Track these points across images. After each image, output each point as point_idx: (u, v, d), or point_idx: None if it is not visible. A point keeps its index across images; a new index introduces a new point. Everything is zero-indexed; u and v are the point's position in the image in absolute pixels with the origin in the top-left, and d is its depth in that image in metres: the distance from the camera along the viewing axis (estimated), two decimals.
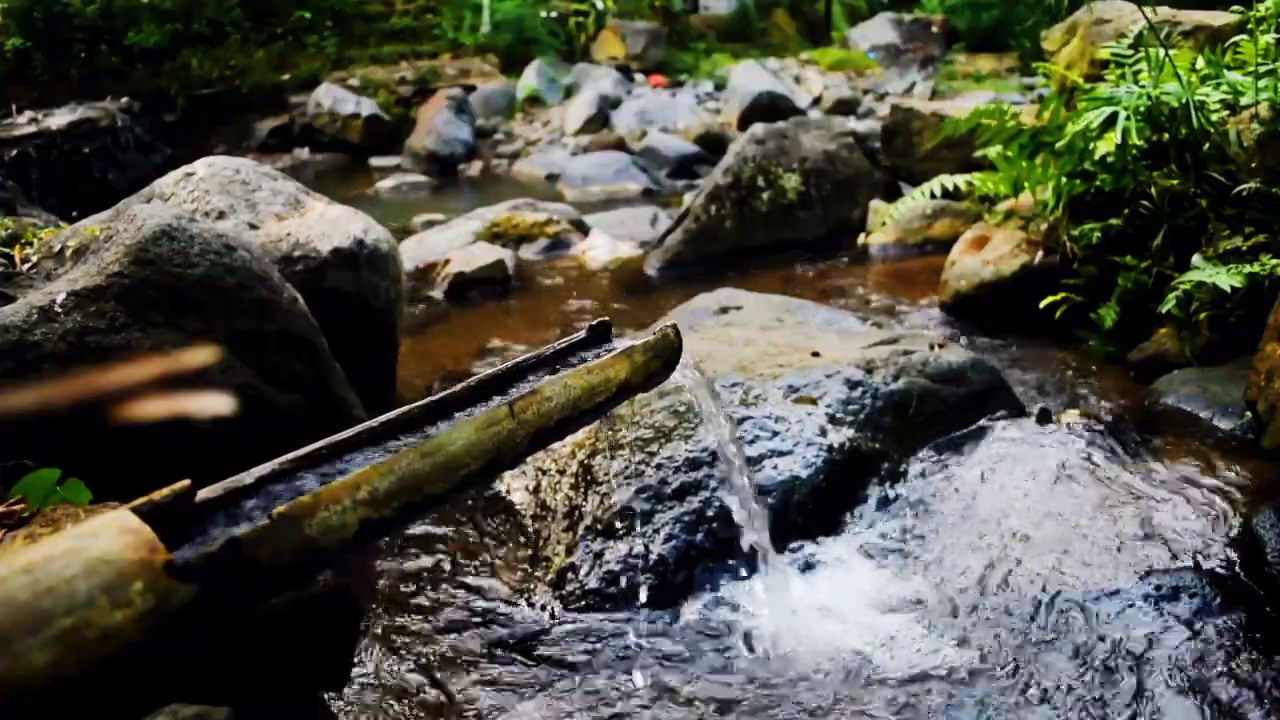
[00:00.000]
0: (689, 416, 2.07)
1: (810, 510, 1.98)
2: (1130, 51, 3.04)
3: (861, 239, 4.62)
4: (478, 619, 1.82)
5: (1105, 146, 2.78)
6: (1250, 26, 2.65)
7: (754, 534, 1.75)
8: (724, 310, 2.91)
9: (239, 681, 1.00)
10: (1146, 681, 1.48)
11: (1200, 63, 2.83)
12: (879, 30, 14.18)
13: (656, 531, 1.89)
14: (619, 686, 1.59)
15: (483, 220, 4.95)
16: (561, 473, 2.13)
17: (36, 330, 1.72)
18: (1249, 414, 2.11)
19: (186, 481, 0.83)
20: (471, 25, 12.05)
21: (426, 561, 2.04)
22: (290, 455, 0.95)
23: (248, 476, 0.90)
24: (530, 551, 2.03)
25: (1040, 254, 3.18)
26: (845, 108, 10.44)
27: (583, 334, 1.35)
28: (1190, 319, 2.61)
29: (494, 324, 3.77)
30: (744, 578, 1.83)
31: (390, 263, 2.79)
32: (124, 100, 8.26)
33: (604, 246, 4.79)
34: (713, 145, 7.90)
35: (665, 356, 1.37)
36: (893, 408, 2.21)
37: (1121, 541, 1.83)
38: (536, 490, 2.18)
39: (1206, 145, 2.68)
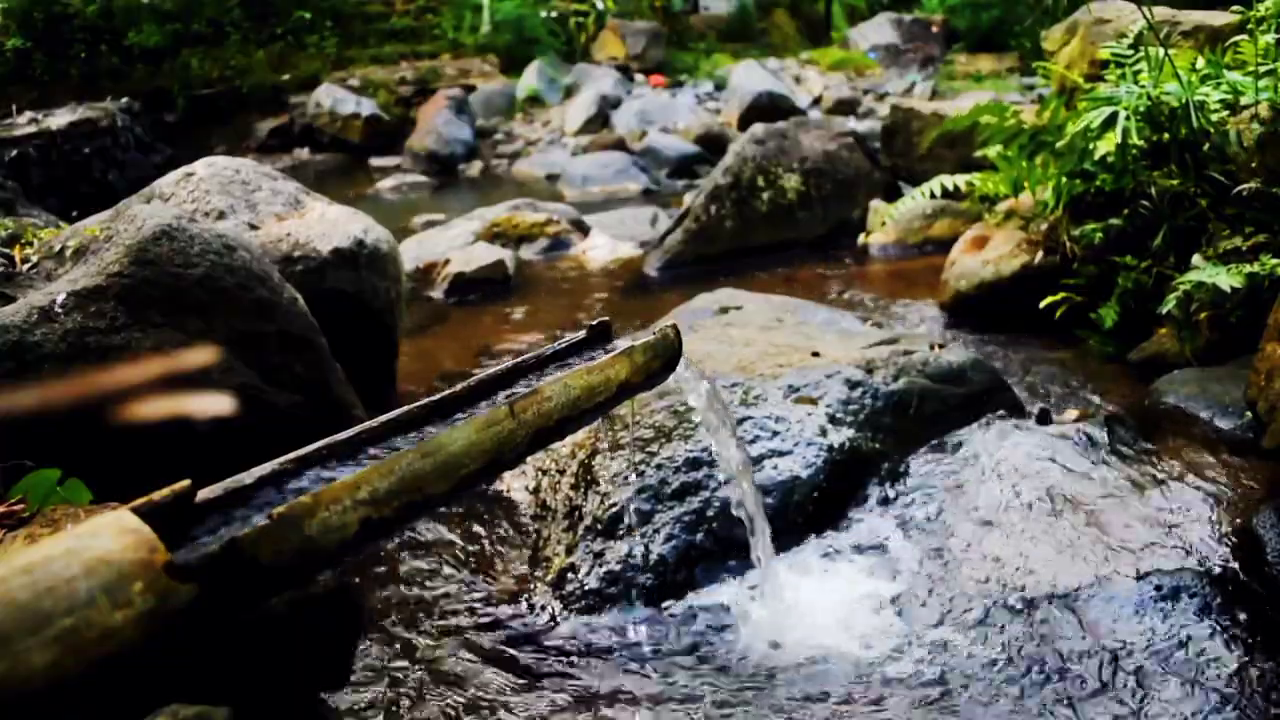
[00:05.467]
0: (689, 416, 2.07)
1: (810, 510, 1.98)
2: (1130, 51, 3.04)
3: (861, 239, 4.62)
4: (478, 619, 1.82)
5: (1105, 146, 2.77)
6: (1250, 26, 2.65)
7: (754, 535, 1.75)
8: (724, 310, 2.91)
9: (239, 681, 1.00)
10: (1146, 682, 1.48)
11: (1200, 63, 2.83)
12: (879, 30, 14.16)
13: (656, 531, 1.89)
14: (619, 686, 1.59)
15: (483, 220, 4.95)
16: (561, 473, 2.13)
17: (36, 330, 1.72)
18: (1249, 414, 2.11)
19: (187, 482, 0.83)
20: (471, 25, 12.05)
21: (426, 562, 2.04)
22: (290, 455, 0.95)
23: (248, 476, 0.90)
24: (530, 551, 2.03)
25: (1040, 254, 3.18)
26: (845, 108, 10.43)
27: (583, 334, 1.35)
28: (1190, 319, 2.61)
29: (494, 324, 3.77)
30: (744, 577, 1.83)
31: (390, 263, 2.79)
32: (124, 100, 8.26)
33: (604, 246, 4.79)
34: (713, 145, 7.90)
35: (665, 356, 1.37)
36: (893, 408, 2.21)
37: (1121, 541, 1.82)
38: (536, 490, 2.18)
39: (1206, 145, 2.68)
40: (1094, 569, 1.76)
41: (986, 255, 3.34)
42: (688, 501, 1.93)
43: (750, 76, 10.09)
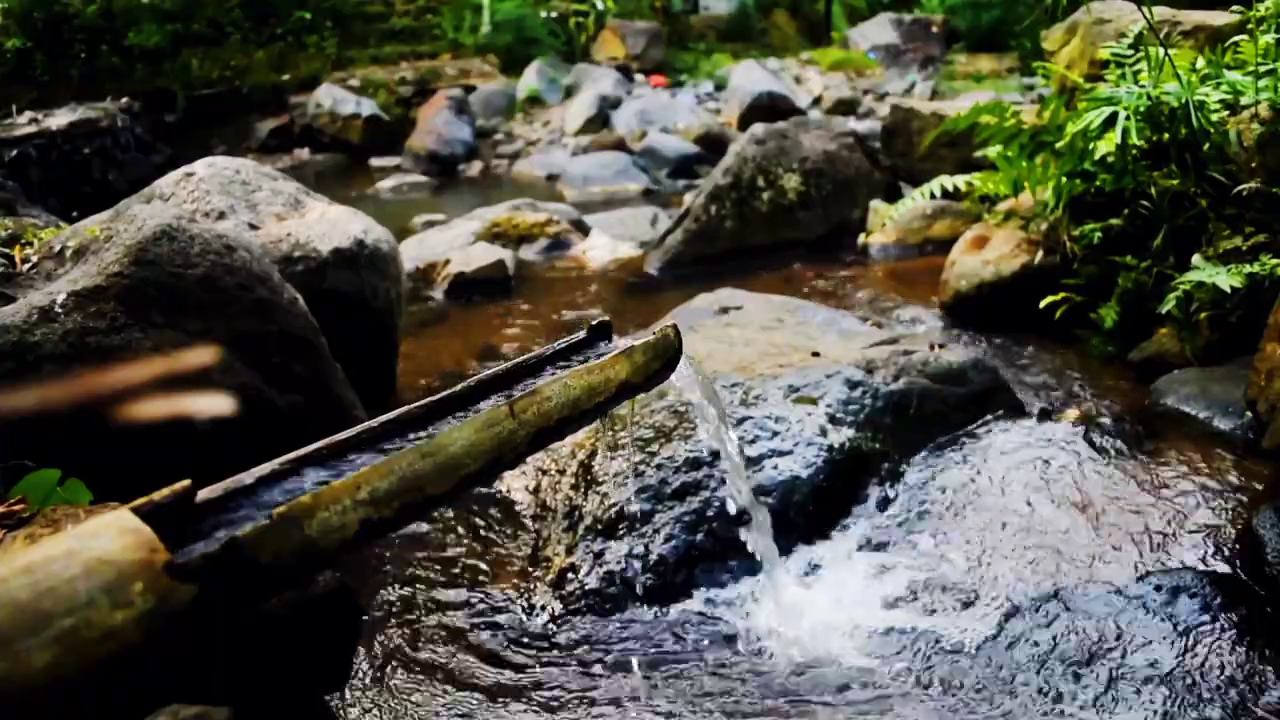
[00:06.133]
0: (689, 416, 2.07)
1: (810, 510, 1.98)
2: (1130, 51, 3.04)
3: (862, 239, 4.62)
4: (478, 619, 1.82)
5: (1105, 146, 2.77)
6: (1250, 26, 2.65)
7: (754, 534, 1.75)
8: (724, 310, 2.91)
9: (239, 681, 1.00)
10: (1146, 682, 1.48)
11: (1200, 63, 2.83)
12: (879, 30, 14.15)
13: (656, 531, 1.89)
14: (619, 687, 1.59)
15: (483, 220, 4.95)
16: (561, 473, 2.13)
17: (37, 330, 1.72)
18: (1249, 414, 2.11)
19: (187, 482, 0.83)
20: (471, 25, 12.05)
21: (427, 562, 2.04)
22: (290, 455, 0.94)
23: (248, 477, 0.90)
24: (530, 551, 2.03)
25: (1040, 254, 3.18)
26: (845, 108, 10.43)
27: (583, 334, 1.35)
28: (1190, 319, 2.61)
29: (494, 324, 3.77)
30: (744, 578, 1.83)
31: (390, 263, 2.79)
32: (124, 100, 8.26)
33: (604, 246, 4.79)
34: (713, 145, 7.89)
35: (665, 356, 1.37)
36: (893, 408, 2.21)
37: (1121, 541, 1.83)
38: (536, 490, 2.18)
39: (1206, 145, 2.68)
40: (1094, 569, 1.76)
41: (986, 255, 3.34)
42: (688, 501, 1.93)
43: (750, 76, 10.09)
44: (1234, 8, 2.85)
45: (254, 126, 10.16)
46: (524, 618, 1.81)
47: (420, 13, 12.25)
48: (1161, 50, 2.73)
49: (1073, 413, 2.39)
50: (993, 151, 3.39)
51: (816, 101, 10.80)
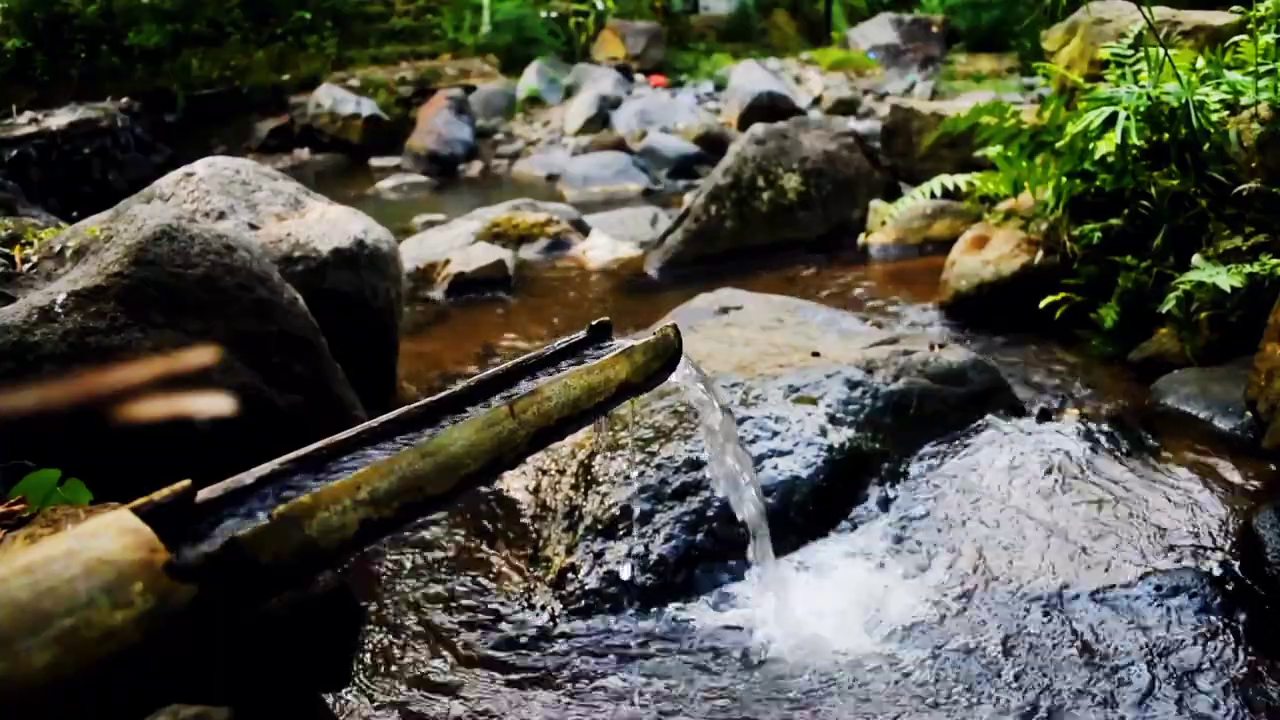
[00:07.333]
0: (689, 416, 2.07)
1: (810, 510, 1.98)
2: (1130, 51, 3.04)
3: (862, 239, 4.62)
4: (478, 619, 1.82)
5: (1105, 146, 2.78)
6: (1250, 26, 2.65)
7: (754, 534, 1.75)
8: (724, 310, 2.91)
9: (239, 681, 1.00)
10: (1146, 682, 1.48)
11: (1200, 63, 2.83)
12: (879, 30, 14.15)
13: (656, 531, 1.89)
14: (619, 687, 1.59)
15: (483, 220, 4.95)
16: (561, 473, 2.13)
17: (36, 330, 1.72)
18: (1249, 414, 2.11)
19: (187, 482, 0.83)
20: (471, 25, 12.06)
21: (426, 562, 2.04)
22: (290, 455, 0.94)
23: (248, 477, 0.90)
24: (530, 551, 2.03)
25: (1040, 254, 3.18)
26: (845, 108, 10.44)
27: (583, 334, 1.35)
28: (1190, 319, 2.61)
29: (494, 324, 3.77)
30: (744, 578, 1.83)
31: (390, 263, 2.79)
32: (124, 100, 8.26)
33: (604, 246, 4.79)
34: (713, 145, 7.90)
35: (665, 356, 1.37)
36: (893, 408, 2.21)
37: (1121, 541, 1.83)
38: (536, 490, 2.18)
39: (1206, 145, 2.68)
40: (1094, 569, 1.76)
41: (986, 255, 3.34)
42: (688, 501, 1.93)
43: (750, 76, 10.09)
44: (1234, 8, 2.85)
45: (254, 126, 10.17)
46: (524, 618, 1.81)
47: (420, 13, 12.26)
48: (1161, 50, 2.73)
49: (1073, 413, 2.39)
50: (993, 151, 3.40)
51: (816, 101, 10.80)
